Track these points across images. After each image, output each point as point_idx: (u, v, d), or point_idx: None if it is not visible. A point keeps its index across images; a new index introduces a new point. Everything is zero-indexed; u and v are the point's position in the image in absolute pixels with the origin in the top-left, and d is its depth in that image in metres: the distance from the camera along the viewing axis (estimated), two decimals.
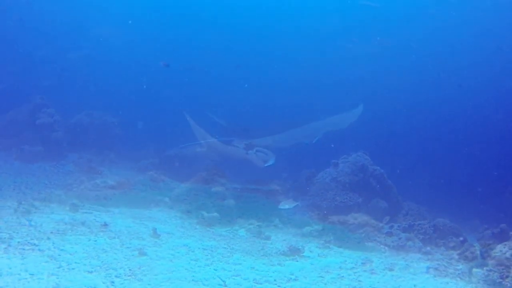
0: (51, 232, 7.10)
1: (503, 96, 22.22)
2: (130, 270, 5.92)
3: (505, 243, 6.64)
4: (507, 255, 6.34)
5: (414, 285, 6.49)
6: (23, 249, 6.09)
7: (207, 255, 7.15)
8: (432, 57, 25.76)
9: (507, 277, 6.11)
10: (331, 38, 26.40)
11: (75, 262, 5.90)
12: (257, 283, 6.08)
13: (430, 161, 19.09)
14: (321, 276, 6.65)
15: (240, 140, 11.18)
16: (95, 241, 7.03)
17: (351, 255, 8.31)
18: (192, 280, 5.88)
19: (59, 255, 6.10)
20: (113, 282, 5.43)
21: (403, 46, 25.25)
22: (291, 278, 6.42)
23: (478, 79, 24.31)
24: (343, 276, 6.72)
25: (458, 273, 7.24)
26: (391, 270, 7.28)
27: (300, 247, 7.91)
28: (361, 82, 26.93)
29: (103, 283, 5.36)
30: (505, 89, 22.33)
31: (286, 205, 8.90)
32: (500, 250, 6.54)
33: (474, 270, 6.96)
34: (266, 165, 11.20)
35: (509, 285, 6.01)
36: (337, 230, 9.30)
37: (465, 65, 25.17)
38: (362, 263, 7.67)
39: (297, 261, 7.47)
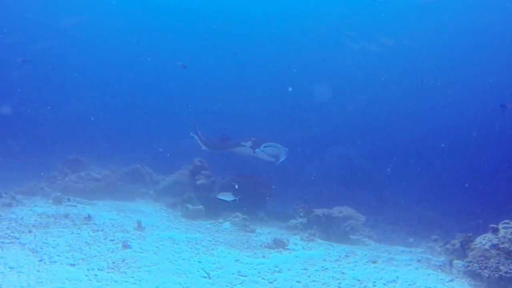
0: (33, 225, 7.02)
1: (490, 92, 22.47)
2: (113, 263, 5.88)
3: (484, 235, 6.76)
4: (486, 246, 6.45)
5: (397, 277, 6.55)
6: (3, 242, 6.01)
7: (191, 248, 7.15)
8: (431, 57, 25.73)
9: (486, 268, 6.21)
10: (335, 36, 26.03)
11: (57, 255, 5.84)
12: (241, 275, 6.09)
13: (419, 156, 19.30)
14: (305, 269, 6.69)
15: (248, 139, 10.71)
16: (78, 234, 6.97)
17: (336, 247, 8.38)
18: (176, 272, 5.86)
19: (41, 248, 6.04)
20: (96, 275, 5.38)
21: (401, 46, 25.05)
22: (275, 271, 6.45)
23: (467, 76, 24.55)
24: (327, 269, 6.77)
25: (440, 265, 7.35)
26: (374, 262, 7.36)
27: (284, 240, 7.94)
28: (360, 82, 26.91)
29: (86, 276, 5.31)
30: (489, 87, 22.63)
31: (224, 197, 8.70)
32: (480, 242, 6.66)
33: (455, 261, 7.08)
34: (278, 162, 10.36)
35: (487, 275, 6.12)
36: (322, 223, 9.34)
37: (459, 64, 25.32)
38: (346, 255, 7.73)
39: (282, 253, 7.50)
